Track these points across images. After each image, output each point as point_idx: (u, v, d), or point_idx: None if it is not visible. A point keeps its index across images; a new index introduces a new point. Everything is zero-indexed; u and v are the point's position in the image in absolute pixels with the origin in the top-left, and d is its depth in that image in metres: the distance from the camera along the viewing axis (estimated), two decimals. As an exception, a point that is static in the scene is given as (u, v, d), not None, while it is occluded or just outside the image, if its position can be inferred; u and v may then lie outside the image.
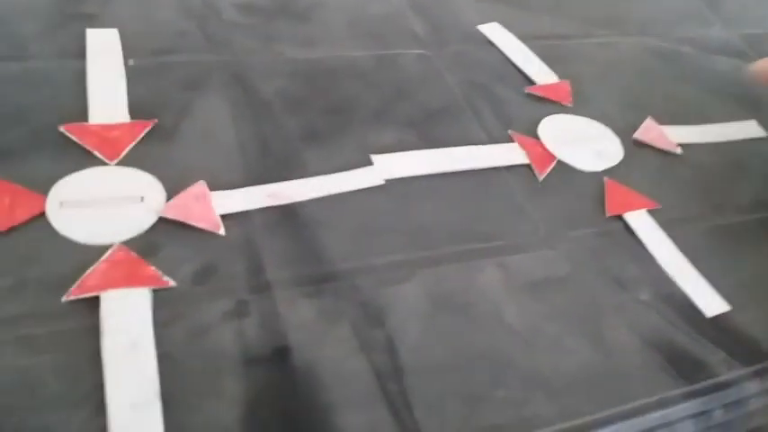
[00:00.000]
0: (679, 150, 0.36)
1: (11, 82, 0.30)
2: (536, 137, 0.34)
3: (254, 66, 0.34)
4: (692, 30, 0.48)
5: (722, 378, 0.26)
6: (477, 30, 0.41)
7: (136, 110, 0.30)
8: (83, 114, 0.29)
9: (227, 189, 0.27)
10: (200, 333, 0.23)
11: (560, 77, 0.39)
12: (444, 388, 0.23)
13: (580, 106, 0.37)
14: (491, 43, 0.41)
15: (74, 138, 0.28)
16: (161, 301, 0.23)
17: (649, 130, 0.37)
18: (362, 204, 0.29)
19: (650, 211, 0.32)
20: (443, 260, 0.27)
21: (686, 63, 0.44)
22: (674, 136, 0.37)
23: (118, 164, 0.27)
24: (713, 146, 0.38)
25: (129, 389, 0.20)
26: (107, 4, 0.36)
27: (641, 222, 0.31)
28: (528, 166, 0.33)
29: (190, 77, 0.33)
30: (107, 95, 0.30)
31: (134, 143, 0.28)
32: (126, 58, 0.32)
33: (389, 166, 0.30)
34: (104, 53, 0.32)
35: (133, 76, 0.31)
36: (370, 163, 0.30)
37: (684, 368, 0.26)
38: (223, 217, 0.26)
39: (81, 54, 0.32)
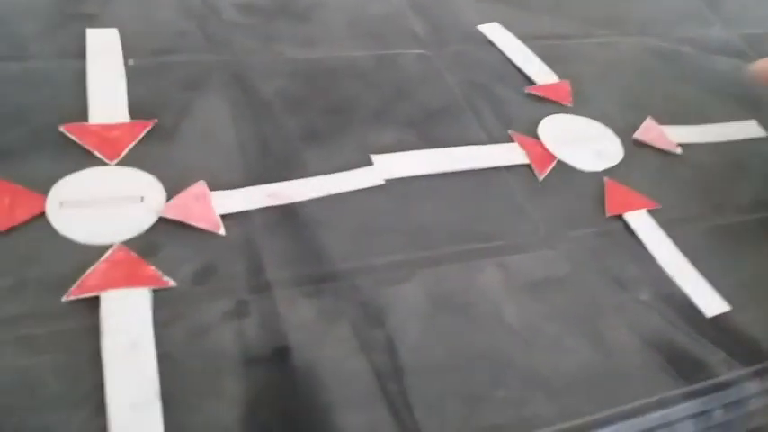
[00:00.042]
0: (679, 150, 0.36)
1: (11, 82, 0.30)
2: (536, 137, 0.34)
3: (254, 66, 0.34)
4: (692, 30, 0.48)
5: (722, 378, 0.26)
6: (477, 30, 0.41)
7: (136, 110, 0.30)
8: (83, 114, 0.29)
9: (227, 189, 0.27)
10: (200, 333, 0.23)
11: (560, 77, 0.39)
12: (444, 388, 0.23)
13: (580, 106, 0.37)
14: (491, 43, 0.41)
15: (74, 138, 0.28)
16: (161, 301, 0.23)
17: (649, 130, 0.37)
18: (362, 204, 0.29)
19: (650, 211, 0.32)
20: (443, 260, 0.27)
21: (686, 63, 0.44)
22: (674, 136, 0.37)
23: (118, 164, 0.27)
24: (713, 146, 0.38)
25: (129, 389, 0.20)
26: (107, 4, 0.36)
27: (641, 222, 0.31)
28: (528, 166, 0.33)
29: (190, 77, 0.33)
30: (107, 95, 0.30)
31: (134, 143, 0.28)
32: (126, 58, 0.32)
33: (389, 166, 0.30)
34: (104, 53, 0.32)
35: (133, 76, 0.31)
36: (370, 163, 0.30)
37: (684, 368, 0.26)
38: (223, 217, 0.26)
39: (81, 54, 0.32)
